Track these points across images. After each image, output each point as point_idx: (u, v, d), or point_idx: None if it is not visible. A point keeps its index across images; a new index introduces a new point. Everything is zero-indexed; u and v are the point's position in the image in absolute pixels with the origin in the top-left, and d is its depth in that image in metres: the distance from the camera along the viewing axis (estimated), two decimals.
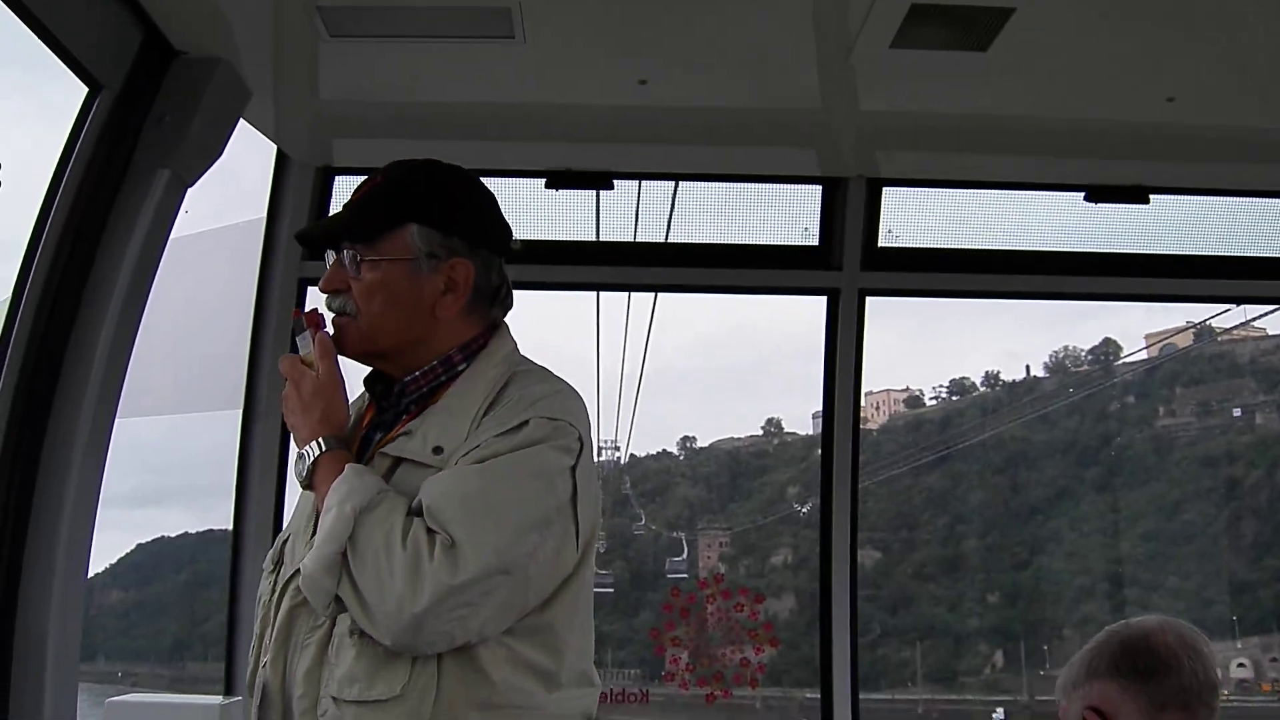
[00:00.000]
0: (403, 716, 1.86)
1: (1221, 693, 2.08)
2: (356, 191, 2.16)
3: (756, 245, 4.57)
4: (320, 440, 2.01)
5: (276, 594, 2.04)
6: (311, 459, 2.00)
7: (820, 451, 4.55)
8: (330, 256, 2.16)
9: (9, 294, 3.04)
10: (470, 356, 2.11)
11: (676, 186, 4.57)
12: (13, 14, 2.72)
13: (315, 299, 4.34)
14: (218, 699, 3.59)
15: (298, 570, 1.94)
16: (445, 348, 2.11)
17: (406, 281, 2.08)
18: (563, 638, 2.00)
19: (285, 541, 2.11)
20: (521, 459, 1.94)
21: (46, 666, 3.09)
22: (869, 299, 4.49)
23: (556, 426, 1.98)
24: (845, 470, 4.43)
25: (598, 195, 4.50)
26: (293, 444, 2.07)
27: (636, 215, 4.58)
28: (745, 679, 4.73)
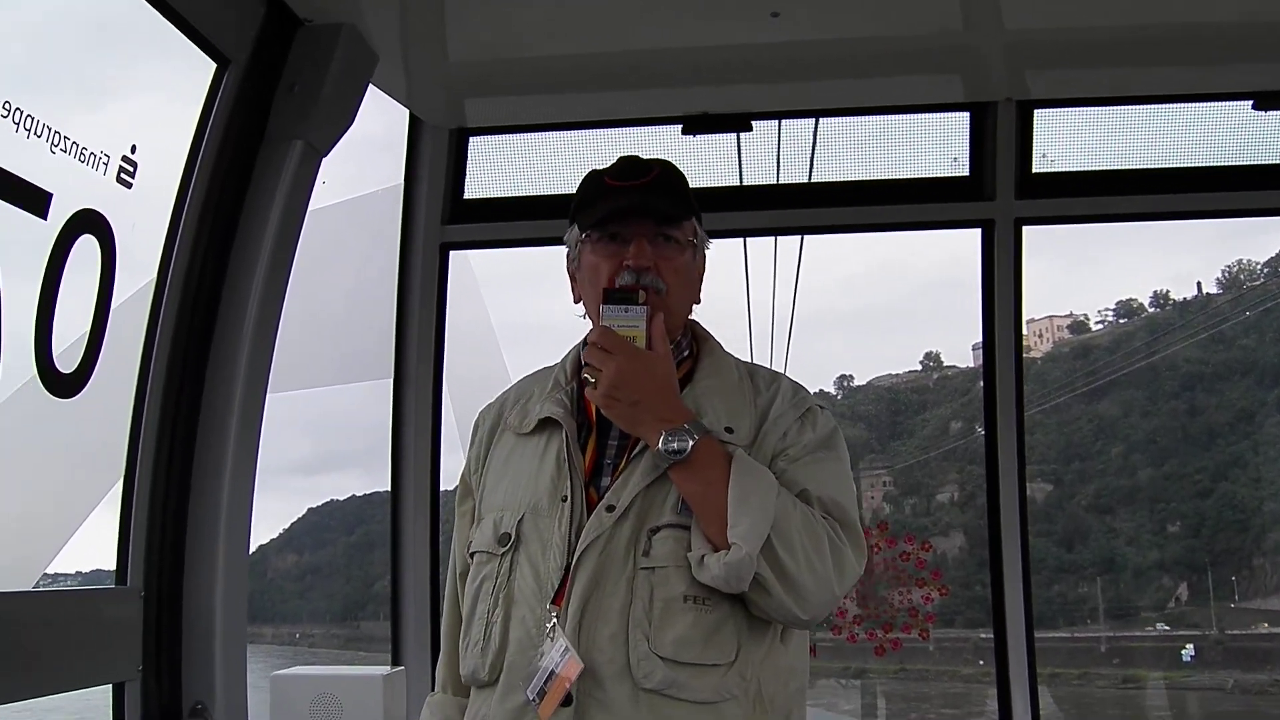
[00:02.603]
0: (733, 678, 2.02)
1: None
2: (630, 177, 2.21)
3: (904, 179, 4.39)
4: (692, 423, 2.05)
5: (561, 567, 2.06)
6: (694, 441, 2.03)
7: (982, 384, 4.42)
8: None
9: (154, 276, 3.08)
10: (688, 342, 2.27)
11: (817, 123, 4.43)
12: None
13: (458, 263, 4.37)
14: (382, 669, 3.62)
15: (594, 539, 2.03)
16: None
17: (694, 267, 2.26)
18: None
19: (520, 519, 2.13)
20: (844, 453, 2.19)
21: (215, 641, 3.16)
22: (1025, 228, 4.29)
23: (827, 414, 2.22)
24: (1010, 403, 4.27)
25: (739, 139, 4.39)
26: (628, 420, 2.07)
27: (778, 157, 4.46)
28: (915, 629, 4.62)
